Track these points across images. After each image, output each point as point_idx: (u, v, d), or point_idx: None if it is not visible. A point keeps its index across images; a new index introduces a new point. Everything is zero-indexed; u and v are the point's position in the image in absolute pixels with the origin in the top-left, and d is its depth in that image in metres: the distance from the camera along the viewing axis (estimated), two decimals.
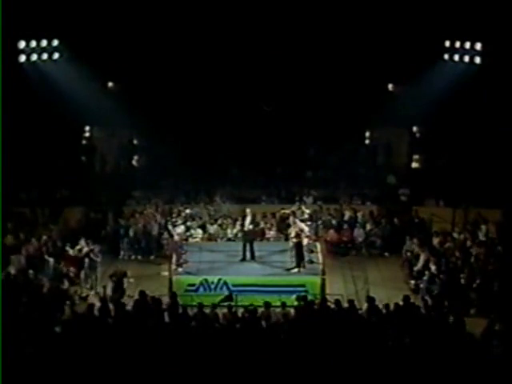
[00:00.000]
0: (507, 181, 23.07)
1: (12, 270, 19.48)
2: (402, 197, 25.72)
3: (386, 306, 16.68)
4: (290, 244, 20.47)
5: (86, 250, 20.98)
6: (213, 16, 24.08)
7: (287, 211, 21.70)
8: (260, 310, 16.94)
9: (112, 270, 20.22)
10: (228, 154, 27.43)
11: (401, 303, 16.82)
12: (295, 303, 17.27)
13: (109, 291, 19.08)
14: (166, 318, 16.60)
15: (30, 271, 19.65)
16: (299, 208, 21.48)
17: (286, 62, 25.15)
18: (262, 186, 27.15)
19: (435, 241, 22.36)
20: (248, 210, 21.01)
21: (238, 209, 24.38)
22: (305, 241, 20.33)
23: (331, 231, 23.97)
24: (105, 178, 26.24)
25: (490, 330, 15.58)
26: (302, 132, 26.62)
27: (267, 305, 17.15)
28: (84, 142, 26.53)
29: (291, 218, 20.81)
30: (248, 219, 20.83)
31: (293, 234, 20.19)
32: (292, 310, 16.90)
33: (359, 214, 24.56)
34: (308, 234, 20.52)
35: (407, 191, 25.80)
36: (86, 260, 20.64)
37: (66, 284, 20.04)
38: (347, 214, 24.67)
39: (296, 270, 20.06)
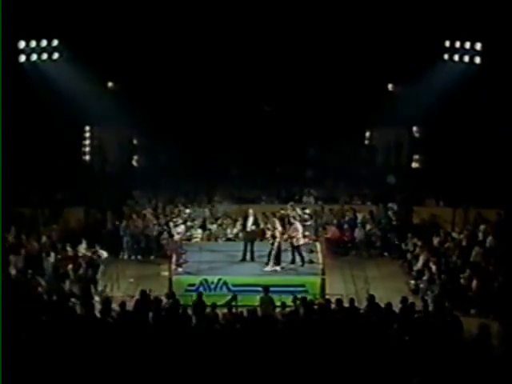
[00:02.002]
0: (507, 181, 23.07)
1: (11, 271, 19.49)
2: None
3: (387, 305, 16.65)
4: (271, 245, 20.45)
5: (85, 251, 21.05)
6: (213, 16, 24.09)
7: (288, 212, 21.71)
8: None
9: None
10: (228, 153, 27.45)
11: (399, 305, 16.81)
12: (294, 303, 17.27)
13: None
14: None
15: (30, 271, 19.66)
16: (293, 209, 21.49)
17: (285, 62, 25.16)
18: (261, 186, 27.16)
19: (435, 241, 22.36)
20: (251, 211, 21.02)
21: (238, 209, 24.43)
22: (302, 241, 20.33)
23: (332, 228, 23.92)
24: (105, 178, 26.22)
25: (485, 331, 15.55)
26: (302, 132, 26.63)
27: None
28: (90, 142, 26.42)
29: (280, 220, 20.72)
30: (250, 220, 20.83)
31: (277, 235, 20.18)
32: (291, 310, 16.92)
33: (359, 215, 24.56)
34: (301, 234, 20.48)
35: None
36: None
37: (66, 284, 20.03)
38: (348, 215, 24.67)
39: (268, 267, 20.11)
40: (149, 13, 23.68)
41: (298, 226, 20.50)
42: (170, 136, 25.95)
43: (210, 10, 23.94)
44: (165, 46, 24.42)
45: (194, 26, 24.28)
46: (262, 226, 23.41)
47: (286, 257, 20.70)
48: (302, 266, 20.41)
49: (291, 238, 20.27)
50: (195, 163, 26.46)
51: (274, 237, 20.19)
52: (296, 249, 20.39)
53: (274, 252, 20.18)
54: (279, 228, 20.22)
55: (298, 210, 21.54)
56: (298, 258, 20.45)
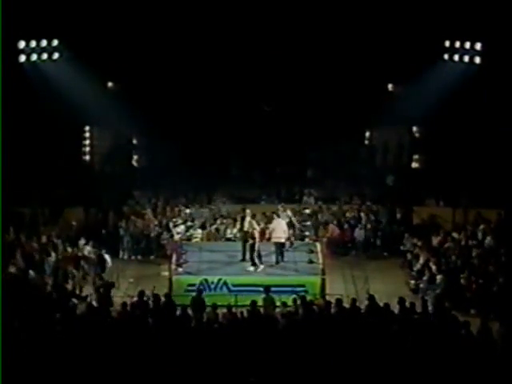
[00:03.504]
0: (507, 181, 23.07)
1: (12, 270, 19.49)
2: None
3: (385, 306, 16.65)
4: (250, 246, 20.45)
5: (88, 253, 21.07)
6: (213, 16, 24.10)
7: (279, 213, 21.72)
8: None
9: (100, 281, 20.07)
10: (228, 153, 27.45)
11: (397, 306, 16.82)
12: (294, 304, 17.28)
13: (94, 302, 18.95)
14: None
15: (31, 271, 19.65)
16: (284, 210, 21.48)
17: (285, 63, 25.16)
18: (261, 186, 27.15)
19: (435, 241, 22.36)
20: (248, 211, 21.00)
21: (238, 209, 24.40)
22: (283, 239, 20.51)
23: (333, 227, 23.86)
24: (105, 178, 26.23)
25: (485, 329, 15.57)
26: (302, 132, 26.63)
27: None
28: (90, 142, 26.37)
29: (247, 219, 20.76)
30: (247, 220, 20.82)
31: (256, 235, 20.25)
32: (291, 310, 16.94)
33: (362, 214, 24.53)
34: (283, 233, 20.52)
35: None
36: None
37: (66, 284, 20.03)
38: (349, 214, 24.67)
39: (252, 268, 20.13)
40: (148, 13, 23.68)
41: (277, 224, 20.51)
42: (170, 136, 25.94)
43: (210, 10, 23.94)
44: (165, 46, 24.43)
45: (193, 26, 24.28)
46: (262, 225, 23.43)
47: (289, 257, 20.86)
48: (276, 263, 20.45)
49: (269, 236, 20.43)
50: (195, 163, 26.44)
51: (253, 237, 20.19)
52: (275, 246, 20.48)
53: (255, 252, 20.19)
54: (257, 228, 20.25)
55: (288, 212, 21.54)
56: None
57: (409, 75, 24.29)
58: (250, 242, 20.16)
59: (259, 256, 20.22)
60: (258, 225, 22.11)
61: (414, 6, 23.09)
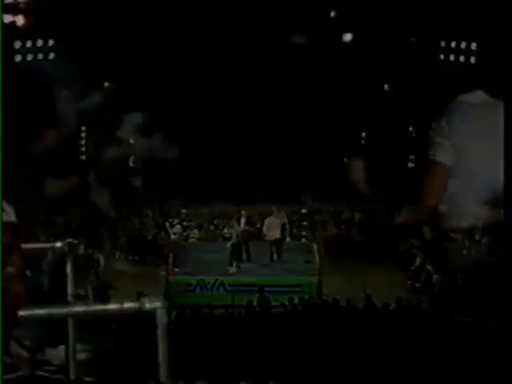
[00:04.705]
0: (507, 181, 22.99)
1: (10, 270, 19.46)
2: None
3: (384, 306, 16.65)
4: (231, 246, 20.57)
5: (80, 249, 21.03)
6: (211, 16, 24.10)
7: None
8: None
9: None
10: (228, 154, 27.44)
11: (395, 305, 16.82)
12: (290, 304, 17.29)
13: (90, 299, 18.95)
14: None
15: (28, 271, 19.64)
16: (279, 211, 21.57)
17: (285, 62, 25.17)
18: (261, 186, 27.12)
19: (432, 241, 22.32)
20: (243, 212, 21.04)
21: (236, 209, 24.44)
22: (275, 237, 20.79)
23: (329, 226, 23.86)
24: (102, 178, 26.18)
25: (482, 329, 15.56)
26: (301, 132, 26.63)
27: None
28: (86, 142, 26.33)
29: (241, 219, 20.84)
30: (243, 220, 20.85)
31: (233, 236, 20.31)
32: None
33: (360, 214, 24.52)
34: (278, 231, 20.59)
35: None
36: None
37: (64, 284, 19.99)
38: (345, 214, 24.66)
39: (233, 269, 20.15)
40: (147, 13, 23.67)
41: (269, 221, 20.55)
42: (170, 136, 25.91)
43: (208, 9, 23.94)
44: (163, 45, 24.42)
45: (192, 26, 24.28)
46: (258, 225, 23.45)
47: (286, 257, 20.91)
48: (271, 261, 20.53)
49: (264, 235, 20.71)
50: (195, 163, 26.43)
51: (230, 238, 20.26)
52: (272, 244, 20.50)
53: (234, 252, 20.25)
54: (237, 229, 20.27)
55: (283, 213, 21.62)
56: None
57: (407, 75, 24.27)
58: (234, 241, 20.28)
59: (238, 255, 20.28)
60: (255, 225, 22.22)
61: (411, 6, 23.09)
